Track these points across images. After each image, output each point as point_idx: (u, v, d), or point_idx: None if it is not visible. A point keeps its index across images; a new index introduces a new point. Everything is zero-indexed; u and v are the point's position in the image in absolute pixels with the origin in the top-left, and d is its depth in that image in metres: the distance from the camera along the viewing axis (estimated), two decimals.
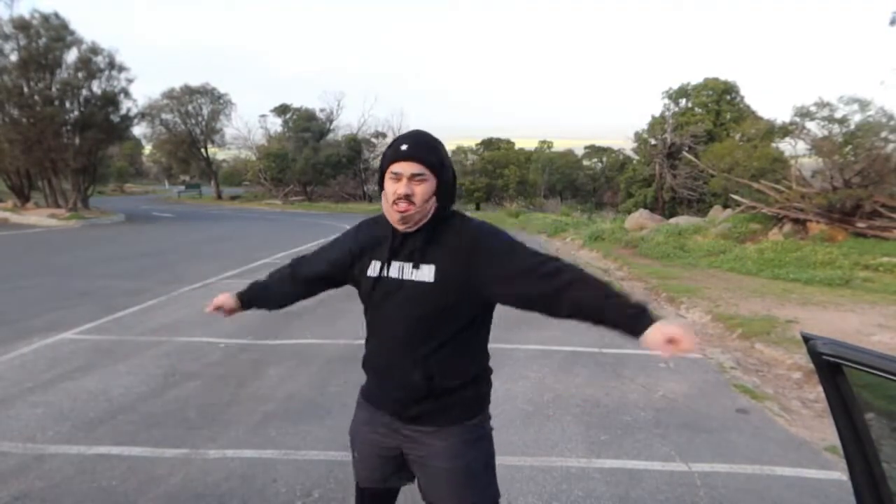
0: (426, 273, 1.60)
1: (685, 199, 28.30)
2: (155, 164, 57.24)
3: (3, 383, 4.68)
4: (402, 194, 1.58)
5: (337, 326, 6.62)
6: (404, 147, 1.61)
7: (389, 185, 1.62)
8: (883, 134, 13.65)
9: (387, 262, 1.65)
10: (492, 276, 1.59)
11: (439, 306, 1.61)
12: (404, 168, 1.59)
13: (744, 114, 29.26)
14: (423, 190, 1.59)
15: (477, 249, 1.61)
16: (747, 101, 30.90)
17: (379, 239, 1.71)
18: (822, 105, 15.02)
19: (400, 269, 1.64)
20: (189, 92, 40.23)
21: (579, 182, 42.12)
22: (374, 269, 1.68)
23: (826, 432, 3.98)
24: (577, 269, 1.59)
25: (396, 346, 1.68)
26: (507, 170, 38.68)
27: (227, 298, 2.15)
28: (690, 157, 23.10)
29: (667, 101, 31.62)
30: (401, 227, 1.62)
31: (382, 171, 1.66)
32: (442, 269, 1.60)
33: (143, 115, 28.46)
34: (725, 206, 18.17)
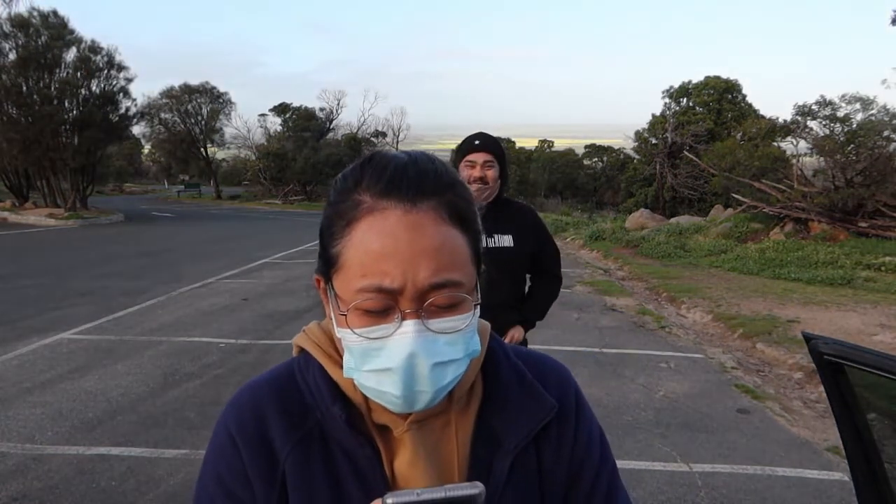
0: (507, 240, 2.28)
1: (686, 198, 28.28)
2: (154, 163, 57.20)
3: (1, 383, 4.68)
4: (478, 177, 2.21)
5: None
6: (477, 141, 2.25)
7: (465, 171, 2.22)
8: (885, 133, 13.63)
9: None
10: (540, 248, 2.43)
11: (516, 263, 2.34)
12: (477, 157, 2.23)
13: (745, 112, 29.23)
14: (493, 174, 2.24)
15: (538, 227, 2.43)
16: (749, 99, 30.90)
17: None
18: (823, 104, 15.00)
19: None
20: (188, 91, 40.19)
21: (580, 181, 42.10)
22: None
23: (828, 432, 3.97)
24: (558, 271, 2.54)
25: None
26: (508, 169, 38.62)
27: None
28: (691, 156, 23.07)
29: (667, 99, 31.60)
30: (479, 199, 2.24)
31: (455, 164, 2.23)
32: (517, 237, 2.30)
33: (142, 115, 28.40)
34: (727, 206, 18.15)
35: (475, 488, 0.51)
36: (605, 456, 0.74)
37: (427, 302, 0.58)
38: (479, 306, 0.63)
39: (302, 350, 0.72)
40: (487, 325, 0.72)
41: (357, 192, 0.61)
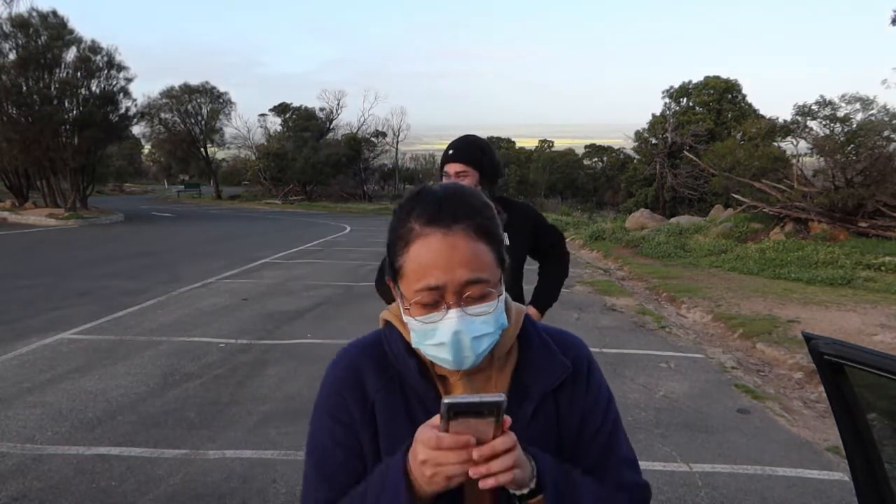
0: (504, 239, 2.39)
1: (686, 198, 28.25)
2: (154, 163, 57.17)
3: (1, 383, 4.67)
4: None
5: (336, 326, 6.62)
6: (451, 151, 2.29)
7: (444, 179, 2.28)
8: (885, 133, 13.63)
9: None
10: (540, 235, 2.57)
11: (512, 260, 2.34)
12: (450, 168, 2.28)
13: (745, 112, 29.22)
14: (467, 183, 2.21)
15: (537, 223, 2.56)
16: (749, 99, 30.88)
17: None
18: (823, 104, 15.00)
19: None
20: (188, 91, 40.17)
21: (580, 181, 42.05)
22: None
23: (828, 433, 3.97)
24: (562, 245, 2.68)
25: None
26: (508, 169, 38.64)
27: None
28: (691, 156, 23.06)
29: (667, 99, 31.58)
30: None
31: (441, 175, 2.34)
32: (514, 236, 2.27)
33: (142, 115, 28.42)
34: (727, 206, 18.14)
35: (500, 397, 0.73)
36: (610, 409, 0.98)
37: (465, 295, 0.84)
38: (504, 294, 0.90)
39: (386, 322, 0.98)
40: (524, 308, 0.99)
41: (410, 220, 0.86)
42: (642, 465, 3.58)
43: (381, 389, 0.92)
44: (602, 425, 0.96)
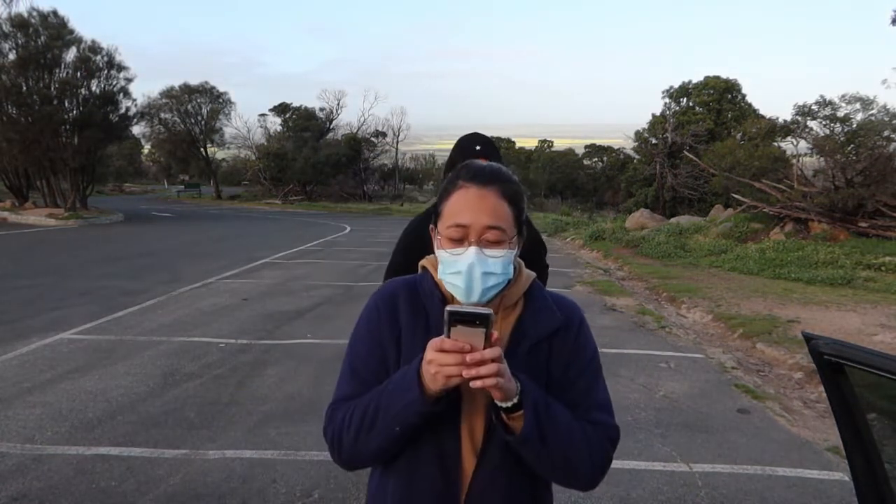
0: None
1: (686, 198, 28.25)
2: (154, 163, 57.15)
3: (1, 384, 4.67)
4: None
5: (336, 326, 6.61)
6: (478, 147, 2.27)
7: None
8: (885, 133, 13.62)
9: None
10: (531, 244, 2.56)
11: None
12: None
13: (745, 112, 29.22)
14: None
15: (532, 241, 2.50)
16: (749, 99, 30.88)
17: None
18: (823, 104, 15.00)
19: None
20: (188, 91, 40.13)
21: (580, 181, 42.05)
22: None
23: (828, 433, 3.97)
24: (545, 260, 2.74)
25: None
26: (508, 169, 38.55)
27: None
28: (691, 156, 23.05)
29: (667, 99, 31.58)
30: None
31: (454, 163, 2.28)
32: None
33: (142, 115, 28.37)
34: (727, 206, 18.14)
35: (488, 310, 0.93)
36: (594, 360, 1.19)
37: (484, 237, 1.05)
38: (516, 252, 1.11)
39: (423, 268, 1.20)
40: (533, 273, 1.19)
41: (458, 179, 1.11)
42: (642, 464, 3.56)
43: (411, 316, 1.13)
44: (584, 372, 1.15)
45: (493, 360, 0.92)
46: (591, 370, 1.17)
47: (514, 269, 1.12)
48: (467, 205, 1.06)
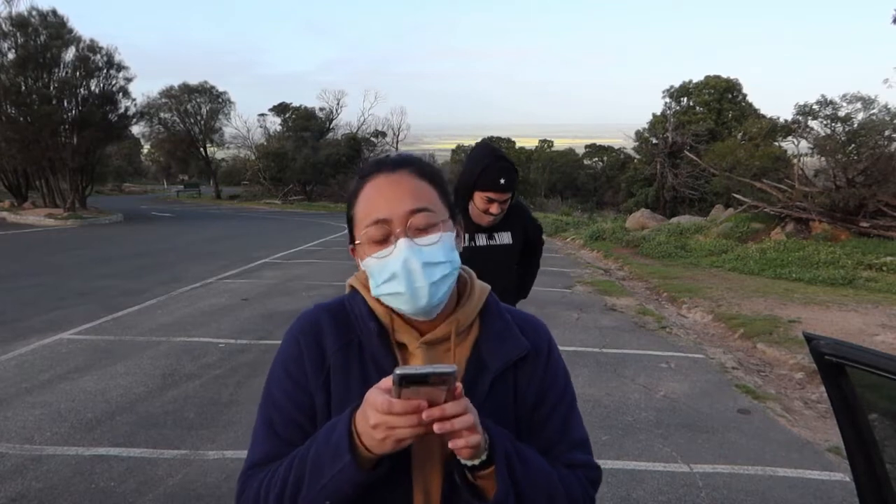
0: (506, 237, 2.64)
1: (687, 198, 28.25)
2: (153, 163, 57.10)
3: (0, 384, 4.67)
4: (495, 213, 2.48)
5: None
6: (502, 181, 2.41)
7: (482, 203, 2.45)
8: (887, 132, 13.63)
9: (473, 238, 2.59)
10: (531, 240, 2.80)
11: (511, 257, 2.71)
12: (500, 197, 2.43)
13: (746, 112, 29.26)
14: (506, 206, 2.51)
15: (531, 225, 2.79)
16: (749, 99, 30.92)
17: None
18: (824, 103, 15.01)
19: (486, 239, 2.61)
20: (188, 90, 40.11)
21: (580, 181, 42.04)
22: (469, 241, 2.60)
23: (829, 433, 3.96)
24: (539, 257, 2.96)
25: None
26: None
27: None
28: (692, 155, 23.05)
29: (668, 99, 31.62)
30: (486, 224, 2.54)
31: (471, 190, 2.44)
32: (514, 235, 2.65)
33: (141, 114, 28.30)
34: (727, 206, 18.14)
35: (451, 368, 0.73)
36: (567, 390, 1.00)
37: (410, 224, 0.87)
38: (456, 236, 0.93)
39: (352, 288, 1.00)
40: (487, 286, 1.00)
41: (362, 179, 0.93)
42: (643, 465, 3.55)
43: (339, 351, 0.93)
44: (558, 405, 0.97)
45: (455, 416, 0.74)
46: (566, 403, 0.98)
47: (459, 267, 0.93)
48: (381, 195, 0.88)
